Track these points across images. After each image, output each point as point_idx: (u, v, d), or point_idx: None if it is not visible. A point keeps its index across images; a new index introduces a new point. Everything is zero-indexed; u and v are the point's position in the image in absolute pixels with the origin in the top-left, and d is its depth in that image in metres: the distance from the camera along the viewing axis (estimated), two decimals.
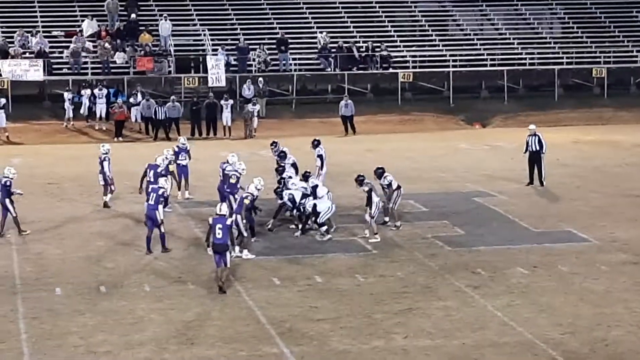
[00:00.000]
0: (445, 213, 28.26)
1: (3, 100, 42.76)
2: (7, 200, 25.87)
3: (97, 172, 29.23)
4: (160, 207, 24.53)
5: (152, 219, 24.34)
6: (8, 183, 25.93)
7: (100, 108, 44.47)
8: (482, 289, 21.60)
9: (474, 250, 24.48)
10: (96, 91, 44.64)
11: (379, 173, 26.58)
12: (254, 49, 48.96)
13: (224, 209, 21.96)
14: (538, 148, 31.87)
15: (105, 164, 28.79)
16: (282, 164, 28.29)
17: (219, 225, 21.43)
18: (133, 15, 49.85)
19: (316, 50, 50.11)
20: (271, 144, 30.80)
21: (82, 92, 44.85)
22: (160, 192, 24.66)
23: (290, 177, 27.12)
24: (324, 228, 25.67)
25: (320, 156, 30.41)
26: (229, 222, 21.82)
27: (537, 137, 32.03)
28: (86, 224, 27.39)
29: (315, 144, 30.78)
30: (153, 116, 43.29)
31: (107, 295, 21.26)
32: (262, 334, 18.95)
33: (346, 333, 18.98)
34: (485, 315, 19.97)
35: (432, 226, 26.87)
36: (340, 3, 53.86)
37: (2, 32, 48.97)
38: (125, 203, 29.42)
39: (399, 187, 26.46)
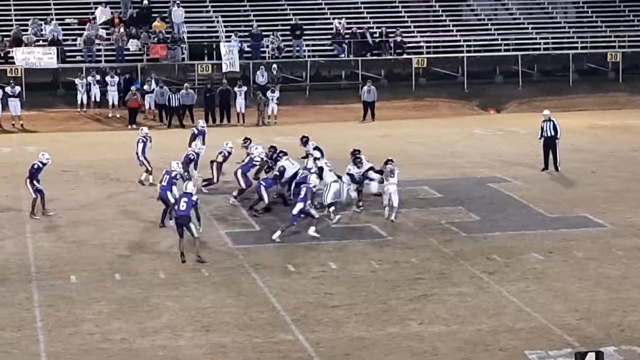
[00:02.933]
0: (459, 199, 28.20)
1: (18, 89, 42.82)
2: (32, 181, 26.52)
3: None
4: (174, 188, 25.33)
5: (164, 199, 25.18)
6: (36, 167, 26.60)
7: (113, 95, 44.47)
8: (498, 274, 21.55)
9: (489, 236, 24.42)
10: (108, 78, 44.63)
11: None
12: (268, 36, 48.91)
13: (189, 187, 23.16)
14: (553, 133, 31.76)
15: (140, 145, 30.11)
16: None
17: (184, 199, 22.69)
18: (146, 2, 49.82)
19: (330, 37, 50.01)
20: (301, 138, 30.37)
21: (90, 78, 44.77)
22: (173, 175, 25.58)
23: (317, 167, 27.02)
24: (332, 208, 25.68)
25: (316, 148, 29.28)
26: (194, 198, 22.82)
27: (551, 123, 31.91)
28: (101, 211, 27.42)
29: (304, 140, 29.92)
30: (167, 103, 43.29)
31: (122, 283, 21.28)
32: (277, 321, 18.94)
33: (361, 319, 18.97)
34: (501, 301, 19.93)
35: (446, 212, 26.81)
36: None
37: (16, 20, 49.00)
38: (141, 189, 29.45)
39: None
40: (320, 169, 26.42)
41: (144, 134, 30.72)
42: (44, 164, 26.89)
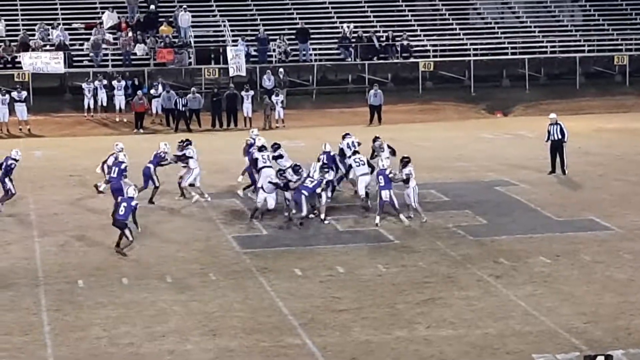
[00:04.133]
0: (466, 202, 28.17)
1: (24, 93, 42.89)
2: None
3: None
4: (125, 180, 27.01)
5: (118, 189, 26.38)
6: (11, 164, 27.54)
7: (120, 100, 44.53)
8: (505, 278, 21.51)
9: (496, 240, 24.38)
10: (115, 83, 44.70)
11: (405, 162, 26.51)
12: (274, 40, 48.94)
13: (130, 192, 24.09)
14: (560, 137, 31.72)
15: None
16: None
17: (124, 204, 23.56)
18: (152, 7, 49.90)
19: (336, 40, 50.03)
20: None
21: (97, 83, 44.81)
22: (122, 167, 27.29)
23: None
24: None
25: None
26: (133, 203, 23.69)
27: (558, 126, 31.87)
28: (108, 216, 27.33)
29: (275, 147, 29.08)
30: (174, 107, 43.32)
31: (129, 287, 21.28)
32: (284, 325, 18.93)
33: (368, 323, 18.94)
34: (508, 304, 19.89)
35: (453, 215, 26.78)
36: None
37: (23, 24, 49.13)
38: (147, 193, 29.45)
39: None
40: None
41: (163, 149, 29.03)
42: (16, 161, 27.69)
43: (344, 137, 29.77)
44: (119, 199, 24.18)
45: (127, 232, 23.62)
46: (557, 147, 31.83)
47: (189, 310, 19.81)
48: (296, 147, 34.86)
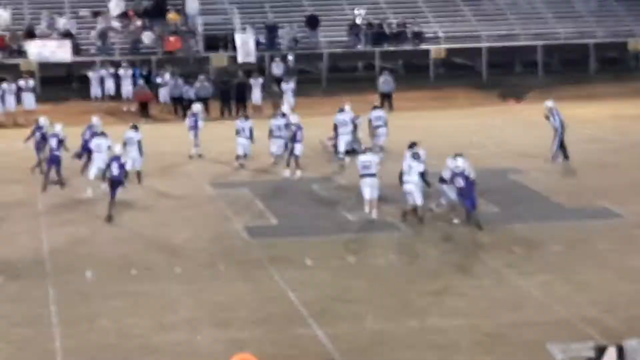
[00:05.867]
0: (479, 190, 27.80)
1: (32, 82, 42.70)
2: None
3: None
4: (62, 150, 28.98)
5: (56, 162, 28.54)
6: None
7: (127, 88, 44.25)
8: (518, 267, 21.34)
9: (509, 228, 24.18)
10: (121, 71, 44.39)
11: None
12: (283, 27, 48.68)
13: (117, 149, 26.30)
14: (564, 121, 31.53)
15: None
16: None
17: (115, 164, 25.46)
18: None
19: (346, 27, 49.75)
20: None
21: (103, 71, 44.61)
22: (60, 138, 28.91)
23: None
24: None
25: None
26: (122, 161, 25.72)
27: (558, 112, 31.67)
28: (117, 207, 27.23)
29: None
30: (183, 96, 43.03)
31: (137, 278, 21.15)
32: (295, 316, 18.78)
33: (380, 313, 18.78)
34: (521, 293, 19.74)
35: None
36: None
37: (29, 13, 48.91)
38: (157, 183, 29.34)
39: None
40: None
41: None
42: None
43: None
44: (111, 158, 25.99)
45: (119, 189, 25.53)
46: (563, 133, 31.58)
47: (199, 301, 19.66)
48: (306, 135, 34.61)
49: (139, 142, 29.32)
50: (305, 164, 30.72)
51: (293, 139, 30.24)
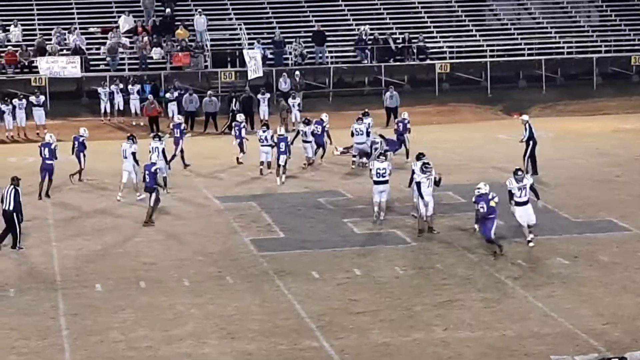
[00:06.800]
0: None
1: (42, 98, 42.97)
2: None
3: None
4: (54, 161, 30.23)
5: (48, 170, 29.84)
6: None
7: (135, 104, 44.54)
8: (523, 279, 21.47)
9: (514, 241, 24.30)
10: (129, 87, 44.71)
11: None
12: (290, 43, 48.95)
13: (153, 157, 27.98)
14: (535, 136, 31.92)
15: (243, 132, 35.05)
16: None
17: (146, 172, 26.80)
18: (168, 11, 49.96)
19: (352, 43, 50.00)
20: None
21: (113, 87, 44.88)
22: (52, 147, 30.23)
23: None
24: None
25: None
26: (153, 169, 26.92)
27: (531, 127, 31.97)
28: (125, 220, 27.49)
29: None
30: (194, 110, 43.29)
31: (146, 291, 21.32)
32: (302, 328, 18.93)
33: (386, 326, 18.93)
34: (526, 306, 19.86)
35: (470, 217, 26.51)
36: None
37: (40, 29, 49.25)
38: (166, 199, 29.52)
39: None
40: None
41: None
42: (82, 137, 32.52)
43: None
44: (144, 167, 27.30)
45: (153, 195, 26.56)
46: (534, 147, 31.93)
47: (207, 313, 19.83)
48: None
49: (134, 155, 29.94)
50: (311, 177, 30.93)
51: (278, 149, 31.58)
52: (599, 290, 20.68)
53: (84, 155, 32.14)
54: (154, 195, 26.77)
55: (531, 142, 31.95)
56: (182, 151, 33.91)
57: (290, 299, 20.58)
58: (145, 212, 26.89)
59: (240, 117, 36.66)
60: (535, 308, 19.70)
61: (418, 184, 25.06)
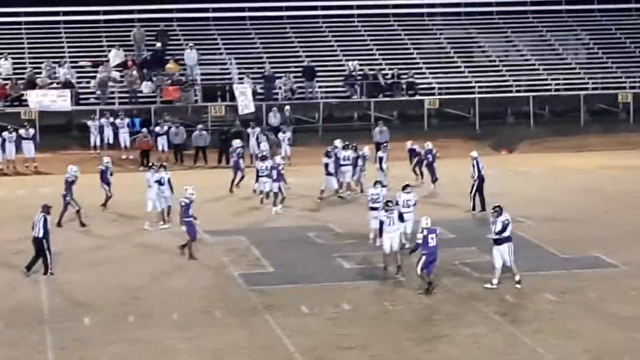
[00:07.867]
0: (472, 239, 28.20)
1: (32, 131, 43.04)
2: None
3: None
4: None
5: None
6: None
7: (124, 137, 44.67)
8: (510, 315, 21.56)
9: (502, 277, 24.35)
10: (117, 121, 44.82)
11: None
12: (280, 77, 49.17)
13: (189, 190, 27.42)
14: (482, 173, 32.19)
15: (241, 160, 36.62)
16: None
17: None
18: (159, 45, 50.15)
19: (342, 78, 50.24)
20: None
21: (103, 120, 45.00)
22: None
23: None
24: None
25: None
26: (186, 201, 26.85)
27: (480, 164, 32.24)
28: (115, 253, 27.52)
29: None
30: (181, 143, 43.47)
31: (135, 325, 21.33)
32: None
33: None
34: (514, 341, 19.93)
35: (459, 252, 26.81)
36: (365, 31, 54.07)
37: (30, 62, 49.37)
38: (158, 234, 29.59)
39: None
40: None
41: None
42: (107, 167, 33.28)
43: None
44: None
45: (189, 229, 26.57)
46: (482, 184, 32.21)
47: (195, 348, 19.85)
48: (304, 184, 35.01)
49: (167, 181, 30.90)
50: (300, 211, 31.00)
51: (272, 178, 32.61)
52: (586, 326, 20.78)
53: (109, 184, 32.91)
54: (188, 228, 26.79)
55: (478, 179, 32.19)
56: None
57: (280, 333, 20.61)
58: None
59: (237, 142, 37.63)
60: (522, 343, 19.77)
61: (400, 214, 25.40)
